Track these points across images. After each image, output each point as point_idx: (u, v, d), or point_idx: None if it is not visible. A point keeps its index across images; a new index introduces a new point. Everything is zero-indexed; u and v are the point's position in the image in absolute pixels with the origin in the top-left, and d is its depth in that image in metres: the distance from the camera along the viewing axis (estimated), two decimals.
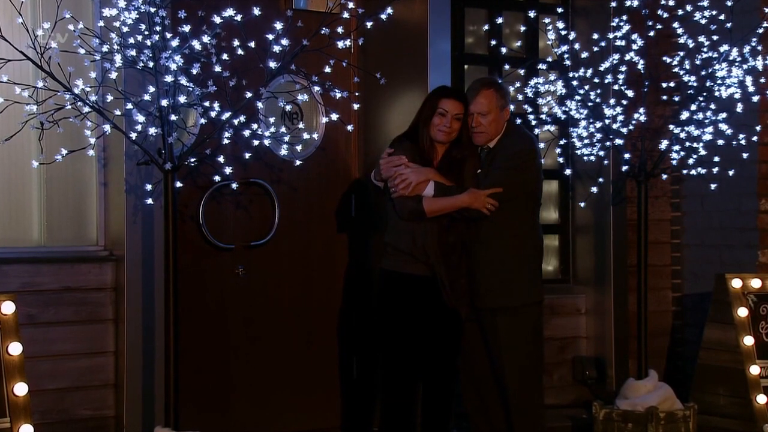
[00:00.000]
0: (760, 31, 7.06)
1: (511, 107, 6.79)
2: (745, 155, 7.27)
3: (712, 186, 7.27)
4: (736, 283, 7.09)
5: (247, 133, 5.64)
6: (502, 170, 5.77)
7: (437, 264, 5.74)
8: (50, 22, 5.36)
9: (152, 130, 5.42)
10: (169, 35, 5.38)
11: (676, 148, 7.03)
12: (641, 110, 6.96)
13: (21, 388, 5.30)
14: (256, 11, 5.47)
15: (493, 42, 7.50)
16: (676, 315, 8.20)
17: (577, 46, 7.07)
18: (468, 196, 5.73)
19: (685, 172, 7.26)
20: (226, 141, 5.61)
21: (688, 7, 7.11)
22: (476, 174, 5.84)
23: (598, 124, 7.01)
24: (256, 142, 5.75)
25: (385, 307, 5.87)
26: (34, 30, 5.39)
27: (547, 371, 7.42)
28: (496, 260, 5.84)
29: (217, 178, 6.01)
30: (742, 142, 7.18)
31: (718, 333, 7.10)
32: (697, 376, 7.22)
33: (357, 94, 6.22)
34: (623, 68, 7.01)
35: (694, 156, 7.10)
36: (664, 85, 7.28)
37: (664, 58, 7.24)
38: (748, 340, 6.98)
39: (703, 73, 6.98)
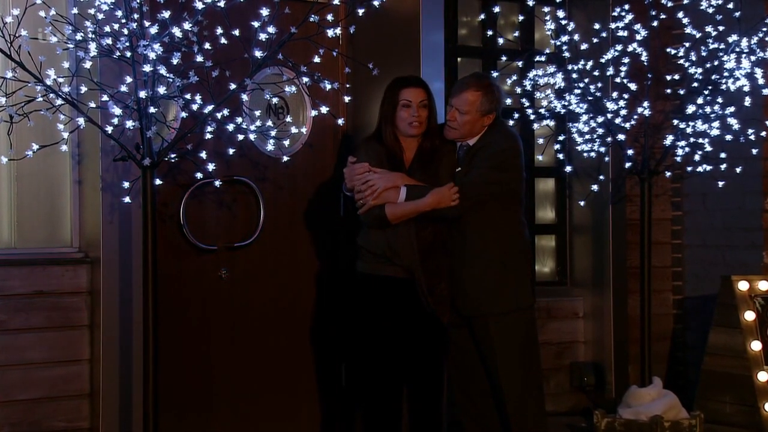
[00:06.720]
0: None
1: (509, 102, 6.60)
2: (754, 151, 7.13)
3: (720, 184, 7.13)
4: (743, 286, 6.97)
5: (230, 127, 5.49)
6: (482, 169, 5.64)
7: (414, 267, 5.65)
8: (20, 8, 5.14)
9: (130, 124, 5.24)
10: (147, 22, 5.19)
11: (681, 143, 6.89)
12: (645, 104, 6.84)
13: None
14: None
15: (489, 32, 7.36)
16: (677, 318, 8.06)
17: (576, 36, 6.92)
18: (432, 197, 5.61)
19: (690, 169, 7.12)
20: (208, 136, 5.45)
21: None
22: (454, 171, 5.72)
23: (600, 119, 6.87)
24: (240, 137, 5.61)
25: (362, 311, 5.82)
26: (2, 17, 5.17)
27: (544, 377, 7.33)
28: (481, 265, 5.72)
29: (198, 175, 5.83)
30: (751, 137, 7.03)
31: (724, 337, 6.98)
32: (702, 383, 7.09)
33: (348, 86, 6.11)
34: (625, 60, 6.87)
35: (699, 152, 6.96)
36: (668, 77, 7.15)
37: (668, 50, 7.10)
38: (756, 345, 6.85)
39: (709, 65, 6.83)
